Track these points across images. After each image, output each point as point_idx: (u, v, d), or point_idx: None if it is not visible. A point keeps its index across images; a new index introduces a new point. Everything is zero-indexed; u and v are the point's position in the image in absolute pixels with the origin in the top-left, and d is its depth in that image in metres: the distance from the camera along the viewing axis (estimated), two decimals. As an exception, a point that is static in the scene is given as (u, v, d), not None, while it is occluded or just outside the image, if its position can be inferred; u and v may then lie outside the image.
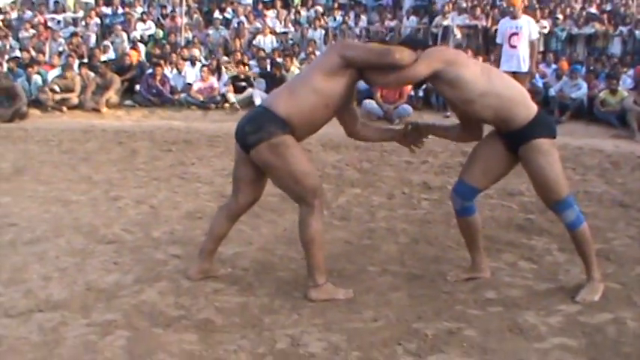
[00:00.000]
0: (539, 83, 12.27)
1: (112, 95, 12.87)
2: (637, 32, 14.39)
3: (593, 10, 16.15)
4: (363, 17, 17.13)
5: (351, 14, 17.15)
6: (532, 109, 3.89)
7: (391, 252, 4.89)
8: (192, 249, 4.67)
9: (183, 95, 13.09)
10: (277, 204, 5.89)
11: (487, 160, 4.07)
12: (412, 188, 6.85)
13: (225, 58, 14.24)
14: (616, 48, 14.65)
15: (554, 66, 13.18)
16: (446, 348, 3.36)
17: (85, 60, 14.11)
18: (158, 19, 17.10)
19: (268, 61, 13.73)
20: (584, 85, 11.82)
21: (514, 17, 10.05)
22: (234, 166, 4.14)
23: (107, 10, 17.60)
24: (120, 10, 17.35)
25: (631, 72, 12.66)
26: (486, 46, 15.00)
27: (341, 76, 3.83)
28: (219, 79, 13.30)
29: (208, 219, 5.24)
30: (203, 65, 13.63)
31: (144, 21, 16.59)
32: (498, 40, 10.32)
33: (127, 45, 15.58)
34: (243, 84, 12.94)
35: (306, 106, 3.80)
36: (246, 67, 13.28)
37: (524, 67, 9.91)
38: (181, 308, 3.83)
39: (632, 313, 3.79)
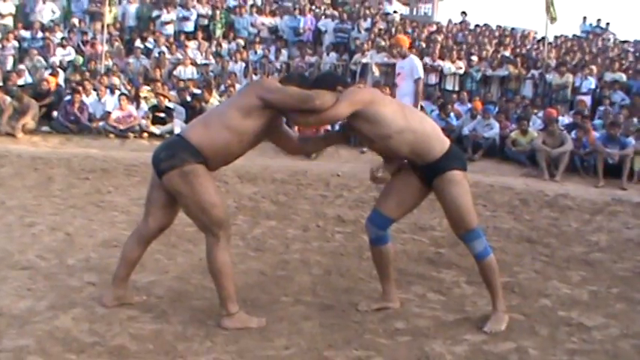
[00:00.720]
0: (454, 122, 12.73)
1: (29, 121, 12.70)
2: (547, 76, 15.03)
3: (507, 53, 16.80)
4: (284, 52, 17.35)
5: (272, 48, 17.36)
6: (445, 143, 4.13)
7: (304, 283, 5.00)
8: (108, 277, 4.67)
9: (101, 123, 13.02)
10: (194, 234, 5.93)
11: (401, 192, 4.27)
12: (326, 221, 7.02)
13: (147, 87, 14.17)
14: (527, 90, 15.25)
15: (469, 105, 13.69)
16: (354, 375, 3.49)
17: (0, 83, 13.85)
18: (78, 45, 16.87)
19: (188, 92, 13.80)
20: (497, 125, 12.32)
21: (402, 57, 10.34)
22: (149, 189, 4.22)
23: (26, 34, 17.26)
24: (39, 35, 17.04)
25: (541, 114, 13.23)
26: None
27: (258, 116, 3.94)
28: (137, 107, 13.26)
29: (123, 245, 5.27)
30: (121, 94, 13.59)
31: (63, 46, 16.35)
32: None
33: (45, 70, 15.35)
34: (163, 115, 12.96)
35: (218, 140, 3.91)
36: (166, 99, 13.30)
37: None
38: (95, 334, 3.85)
39: (534, 342, 4.00)
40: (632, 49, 19.69)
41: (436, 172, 4.08)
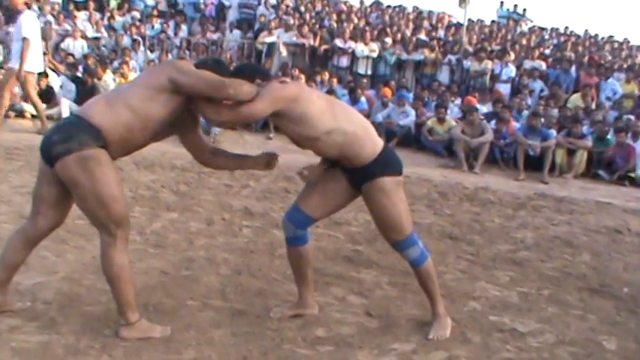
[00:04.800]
0: (364, 107, 12.67)
1: None
2: (465, 62, 15.20)
3: (423, 36, 16.91)
4: (184, 27, 16.97)
5: (171, 23, 16.93)
6: (377, 145, 3.93)
7: (212, 284, 4.79)
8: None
9: (-26, 100, 12.27)
10: (85, 228, 5.56)
11: (327, 190, 4.08)
12: (233, 214, 6.81)
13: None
14: (444, 76, 15.39)
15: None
16: (275, 392, 3.30)
17: None
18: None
19: (81, 67, 13.25)
20: (412, 113, 12.34)
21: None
22: (36, 184, 3.85)
23: None
24: None
25: (458, 101, 13.37)
26: (313, 65, 15.32)
27: (165, 101, 3.65)
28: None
29: (2, 242, 4.88)
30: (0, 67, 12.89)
31: None
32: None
33: None
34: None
35: (121, 122, 3.59)
36: (49, 78, 12.70)
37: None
38: (-32, 350, 3.51)
39: (467, 351, 3.94)
40: (548, 37, 20.22)
41: (365, 177, 3.92)
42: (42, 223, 3.85)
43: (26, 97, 11.35)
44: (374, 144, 3.92)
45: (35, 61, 10.21)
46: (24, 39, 9.86)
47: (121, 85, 3.84)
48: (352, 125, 3.88)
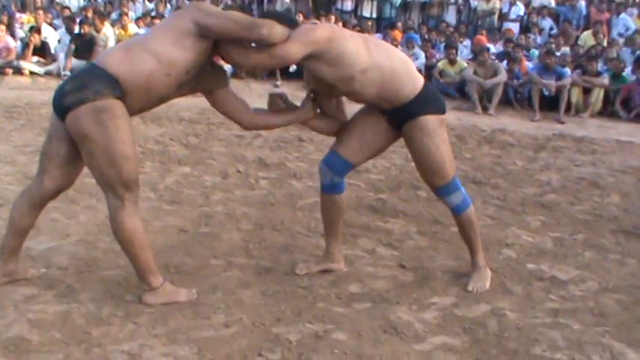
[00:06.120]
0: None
1: None
2: (472, 2, 14.80)
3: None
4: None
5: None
6: (418, 81, 3.65)
7: (234, 241, 4.53)
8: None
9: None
10: (96, 187, 5.22)
11: (366, 133, 3.79)
12: (247, 166, 6.55)
13: (25, 16, 13.18)
14: (451, 17, 15.02)
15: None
16: (315, 356, 3.05)
17: None
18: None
19: (78, 20, 12.83)
20: (422, 55, 11.99)
21: None
22: (46, 140, 3.55)
23: None
24: None
25: (467, 42, 12.99)
26: (316, 9, 14.93)
27: (191, 46, 3.33)
28: (14, 39, 12.25)
29: (9, 206, 4.60)
30: (-6, 22, 12.52)
31: None
32: None
33: None
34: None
35: (142, 69, 3.27)
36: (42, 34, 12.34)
37: None
38: (-19, 324, 3.24)
39: (510, 303, 3.73)
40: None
41: (406, 117, 3.62)
42: (48, 184, 3.55)
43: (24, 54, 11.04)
44: (414, 81, 3.63)
45: None
46: None
47: (142, 33, 3.41)
48: (389, 61, 3.58)
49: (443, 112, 3.72)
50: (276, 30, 3.34)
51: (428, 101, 3.64)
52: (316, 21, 3.73)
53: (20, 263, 3.74)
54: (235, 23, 3.33)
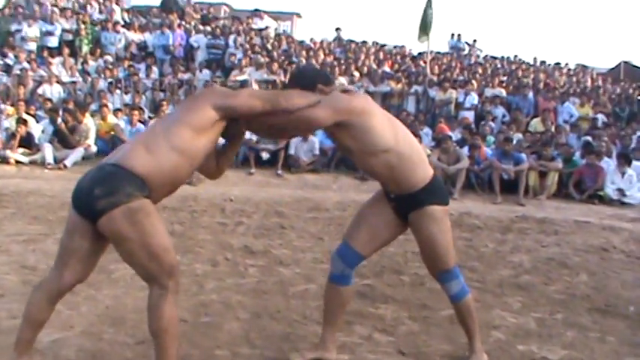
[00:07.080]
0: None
1: None
2: (430, 92, 15.17)
3: (387, 69, 16.85)
4: (155, 69, 16.67)
5: (142, 66, 16.64)
6: (428, 172, 3.71)
7: (234, 330, 4.49)
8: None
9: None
10: (93, 277, 5.18)
11: (376, 224, 3.83)
12: (234, 253, 6.52)
13: (9, 108, 13.19)
14: (410, 106, 15.33)
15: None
16: None
17: None
18: None
19: (60, 111, 12.91)
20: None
21: None
22: (67, 236, 3.45)
23: None
24: None
25: (426, 130, 13.27)
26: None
27: (211, 132, 3.36)
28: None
29: (11, 296, 4.56)
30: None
31: None
32: None
33: None
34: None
35: (169, 168, 3.28)
36: (26, 124, 12.35)
37: None
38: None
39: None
40: (500, 65, 20.37)
41: (414, 205, 3.67)
42: (68, 278, 3.49)
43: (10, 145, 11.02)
44: (425, 172, 3.69)
45: None
46: None
47: (152, 127, 3.35)
48: (410, 148, 3.64)
49: (447, 203, 3.80)
50: (294, 101, 3.40)
51: (436, 192, 3.70)
52: (352, 88, 3.74)
53: (32, 358, 3.64)
54: (258, 99, 3.38)
